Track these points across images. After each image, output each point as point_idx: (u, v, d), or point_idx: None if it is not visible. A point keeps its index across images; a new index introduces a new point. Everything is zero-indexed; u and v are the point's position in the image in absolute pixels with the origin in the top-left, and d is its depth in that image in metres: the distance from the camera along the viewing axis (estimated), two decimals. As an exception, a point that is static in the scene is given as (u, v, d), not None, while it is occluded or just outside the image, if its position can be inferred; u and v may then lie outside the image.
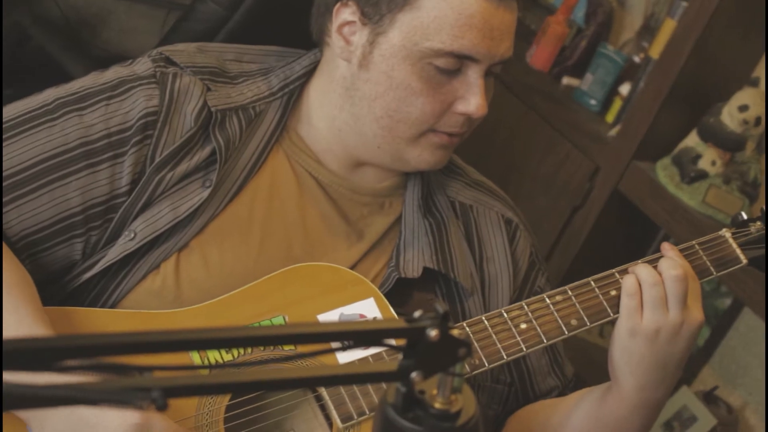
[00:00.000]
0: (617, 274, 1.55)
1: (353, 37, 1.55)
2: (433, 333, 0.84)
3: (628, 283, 1.51)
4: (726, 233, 1.63)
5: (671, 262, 1.51)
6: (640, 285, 1.50)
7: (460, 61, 1.52)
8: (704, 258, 1.60)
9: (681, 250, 1.57)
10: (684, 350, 1.51)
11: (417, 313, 0.86)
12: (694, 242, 1.61)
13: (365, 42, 1.54)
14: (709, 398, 2.91)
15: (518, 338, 1.50)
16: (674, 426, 2.87)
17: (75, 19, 3.66)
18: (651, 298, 1.48)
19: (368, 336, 0.83)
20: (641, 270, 1.51)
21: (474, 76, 1.53)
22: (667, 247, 1.55)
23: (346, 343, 0.83)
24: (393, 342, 0.86)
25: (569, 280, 1.56)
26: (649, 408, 1.54)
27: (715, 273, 1.59)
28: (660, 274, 1.50)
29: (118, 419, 1.26)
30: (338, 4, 1.56)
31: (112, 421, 1.26)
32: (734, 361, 2.97)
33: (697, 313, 1.50)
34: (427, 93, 1.53)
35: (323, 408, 1.46)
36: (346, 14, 1.56)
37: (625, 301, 1.50)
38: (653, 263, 1.53)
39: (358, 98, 1.56)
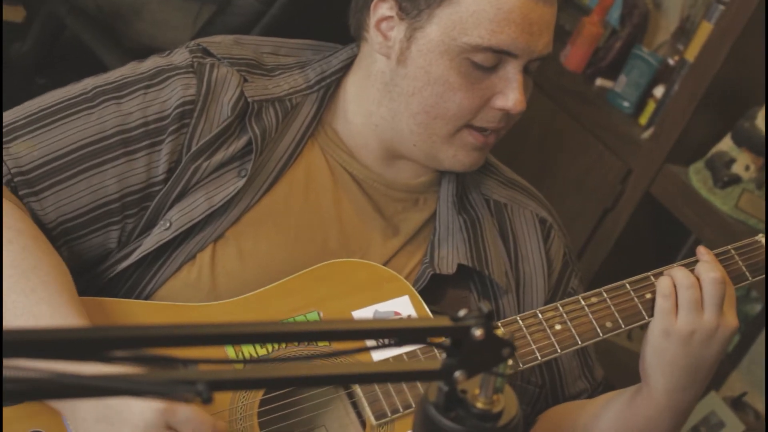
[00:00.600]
0: (652, 277, 1.54)
1: (391, 33, 1.55)
2: (478, 332, 0.84)
3: (663, 284, 1.50)
4: (762, 239, 1.62)
5: (709, 265, 1.50)
6: (675, 287, 1.49)
7: (499, 56, 1.51)
8: (740, 263, 1.59)
9: (716, 255, 1.56)
10: (717, 354, 1.50)
11: (462, 312, 0.85)
12: (729, 247, 1.60)
13: (403, 37, 1.54)
14: (737, 404, 2.89)
15: (553, 339, 1.50)
16: (701, 431, 2.86)
17: (109, 10, 3.66)
18: (686, 300, 1.47)
19: (413, 334, 0.83)
20: (677, 272, 1.50)
21: (513, 71, 1.52)
22: (703, 251, 1.54)
23: (390, 341, 0.82)
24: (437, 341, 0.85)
25: (600, 281, 1.55)
26: (677, 411, 1.53)
27: (750, 278, 1.59)
28: (697, 277, 1.49)
29: (143, 404, 1.27)
30: (376, 0, 1.56)
31: (138, 406, 1.27)
32: (763, 368, 2.95)
33: (732, 319, 1.50)
34: (466, 88, 1.52)
35: (355, 405, 1.46)
36: (384, 9, 1.56)
37: (659, 302, 1.49)
38: (689, 267, 1.53)
39: (396, 94, 1.56)
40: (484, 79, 1.52)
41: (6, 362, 0.66)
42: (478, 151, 1.59)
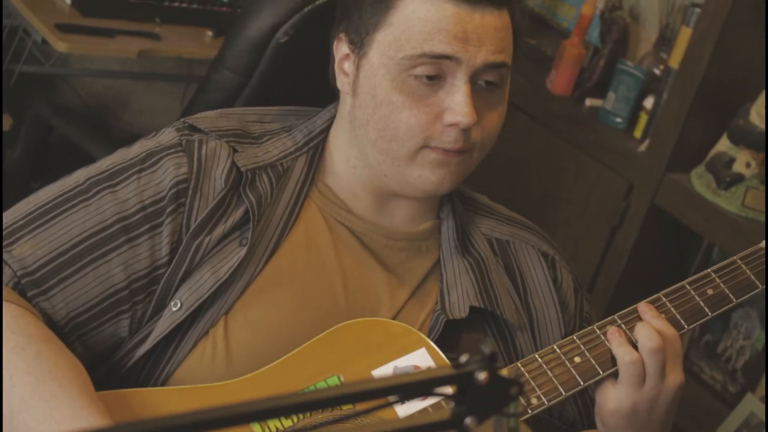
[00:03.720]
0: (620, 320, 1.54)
1: (349, 69, 1.57)
2: (482, 376, 0.83)
3: None
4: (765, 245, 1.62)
5: (648, 332, 1.48)
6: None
7: (438, 64, 1.50)
8: (748, 272, 1.58)
9: (722, 267, 1.56)
10: (665, 413, 1.50)
11: (463, 357, 0.84)
12: (735, 257, 1.59)
13: (354, 69, 1.56)
14: (776, 402, 2.87)
15: (574, 373, 1.49)
16: (744, 435, 2.83)
17: (96, 105, 3.69)
18: (627, 376, 1.47)
19: (416, 387, 0.82)
20: (618, 350, 1.49)
21: (457, 84, 1.51)
22: (643, 309, 1.52)
23: (394, 397, 0.82)
24: (443, 391, 0.84)
25: (617, 300, 1.55)
26: None
27: (761, 286, 1.58)
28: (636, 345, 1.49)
29: None
30: (336, 41, 1.59)
31: None
32: (796, 362, 2.93)
33: (674, 378, 1.49)
34: (410, 105, 1.51)
35: None
36: (342, 48, 1.58)
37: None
38: (628, 318, 1.52)
39: (357, 127, 1.57)
40: (430, 95, 1.51)
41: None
42: (444, 167, 1.55)
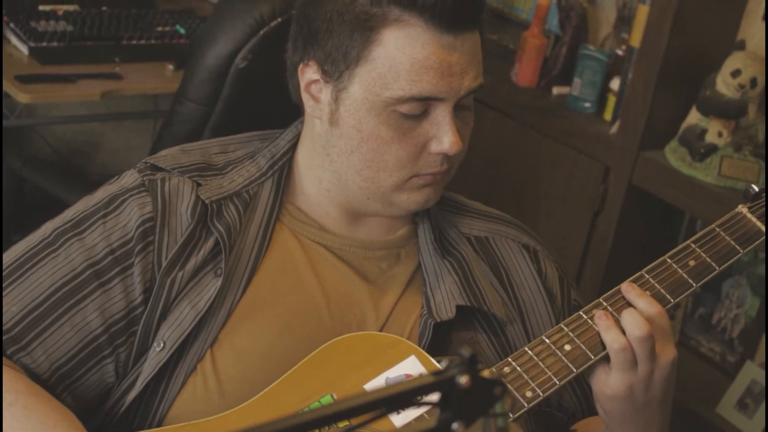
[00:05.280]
0: (604, 302, 1.53)
1: (320, 95, 1.56)
2: (463, 380, 0.83)
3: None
4: (743, 209, 1.61)
5: (634, 319, 1.46)
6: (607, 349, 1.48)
7: (425, 103, 1.51)
8: (728, 239, 1.58)
9: (701, 237, 1.56)
10: (663, 389, 1.49)
11: (443, 363, 0.84)
12: (714, 225, 1.59)
13: (330, 99, 1.55)
14: (776, 366, 2.87)
15: (566, 361, 1.48)
16: (748, 404, 2.83)
17: (67, 152, 3.68)
18: (619, 363, 1.46)
19: (399, 399, 0.81)
20: (607, 335, 1.47)
21: (442, 114, 1.52)
22: (626, 289, 1.51)
23: (379, 411, 0.81)
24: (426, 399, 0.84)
25: (607, 286, 1.54)
26: None
27: (741, 251, 1.57)
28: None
29: None
30: (301, 65, 1.57)
31: None
32: (791, 324, 2.93)
33: (667, 355, 1.48)
34: (399, 139, 1.52)
35: None
36: (310, 73, 1.56)
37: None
38: (613, 300, 1.51)
39: (335, 155, 1.56)
40: (416, 127, 1.52)
41: None
42: (430, 187, 1.58)
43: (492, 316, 1.61)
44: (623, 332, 1.46)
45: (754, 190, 1.62)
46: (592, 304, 1.51)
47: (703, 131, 2.79)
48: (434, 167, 1.55)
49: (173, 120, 2.35)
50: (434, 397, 0.83)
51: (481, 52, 1.56)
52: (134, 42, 3.16)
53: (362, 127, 1.52)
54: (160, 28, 3.26)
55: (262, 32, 2.15)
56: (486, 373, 0.83)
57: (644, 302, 1.49)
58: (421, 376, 0.81)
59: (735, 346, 2.99)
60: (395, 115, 1.51)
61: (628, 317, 1.47)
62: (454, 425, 0.83)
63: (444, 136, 1.52)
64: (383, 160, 1.53)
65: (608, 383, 1.47)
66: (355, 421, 0.86)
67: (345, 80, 1.52)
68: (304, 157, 1.63)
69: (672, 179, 2.81)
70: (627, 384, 1.46)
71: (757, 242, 1.58)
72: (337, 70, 1.53)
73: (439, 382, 0.81)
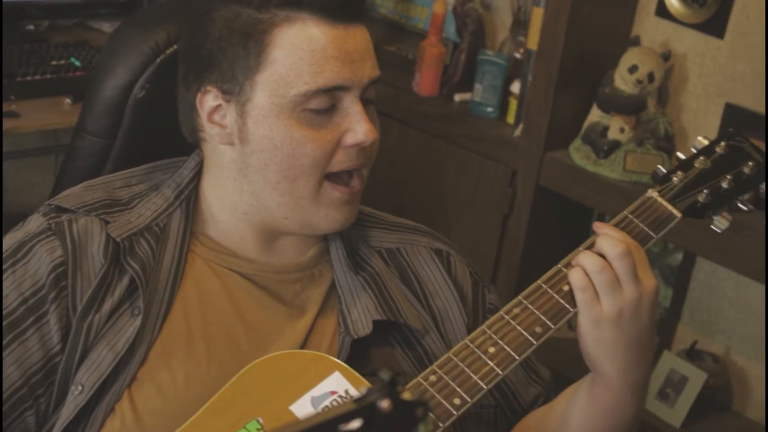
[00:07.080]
0: (563, 269, 1.52)
1: (225, 120, 1.54)
2: (384, 404, 0.82)
3: (576, 277, 1.48)
4: (653, 194, 1.60)
5: (610, 239, 1.48)
6: (588, 275, 1.48)
7: (331, 95, 1.51)
8: (641, 225, 1.58)
9: (616, 224, 1.55)
10: (650, 319, 1.48)
11: (363, 390, 0.83)
12: (625, 212, 1.58)
13: (236, 117, 1.53)
14: (693, 354, 2.91)
15: (491, 364, 1.46)
16: (668, 393, 2.86)
17: (-33, 195, 3.61)
18: (603, 284, 1.45)
19: (321, 429, 0.80)
20: (585, 259, 1.48)
21: (350, 104, 1.52)
22: (598, 225, 1.52)
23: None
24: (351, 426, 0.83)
25: (522, 285, 1.54)
26: (637, 386, 1.52)
27: (655, 236, 1.57)
28: (603, 255, 1.48)
29: None
30: (198, 95, 1.56)
31: None
32: (704, 311, 2.97)
33: (649, 281, 1.48)
34: (314, 137, 1.51)
35: None
36: (209, 101, 1.55)
37: (579, 296, 1.47)
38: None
39: (251, 174, 1.55)
40: (327, 122, 1.52)
41: None
42: (348, 204, 1.57)
43: (407, 327, 1.61)
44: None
45: (662, 171, 1.62)
46: (517, 297, 1.50)
47: (605, 128, 2.83)
48: (350, 161, 1.54)
49: (74, 155, 2.30)
50: (356, 423, 0.82)
51: (372, 47, 1.56)
52: (29, 78, 3.10)
53: (273, 134, 1.51)
54: (54, 62, 3.21)
55: (158, 60, 2.12)
56: (407, 395, 0.82)
57: (620, 234, 1.49)
58: (342, 404, 0.80)
59: (652, 337, 3.03)
60: (305, 114, 1.50)
61: (603, 240, 1.48)
62: (379, 449, 0.83)
63: (357, 126, 1.52)
64: (300, 164, 1.52)
65: (598, 309, 1.45)
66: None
67: (247, 91, 1.51)
68: (212, 186, 1.61)
69: (578, 178, 2.84)
70: (616, 307, 1.45)
71: (670, 226, 1.59)
72: (237, 84, 1.52)
73: (361, 408, 0.80)
